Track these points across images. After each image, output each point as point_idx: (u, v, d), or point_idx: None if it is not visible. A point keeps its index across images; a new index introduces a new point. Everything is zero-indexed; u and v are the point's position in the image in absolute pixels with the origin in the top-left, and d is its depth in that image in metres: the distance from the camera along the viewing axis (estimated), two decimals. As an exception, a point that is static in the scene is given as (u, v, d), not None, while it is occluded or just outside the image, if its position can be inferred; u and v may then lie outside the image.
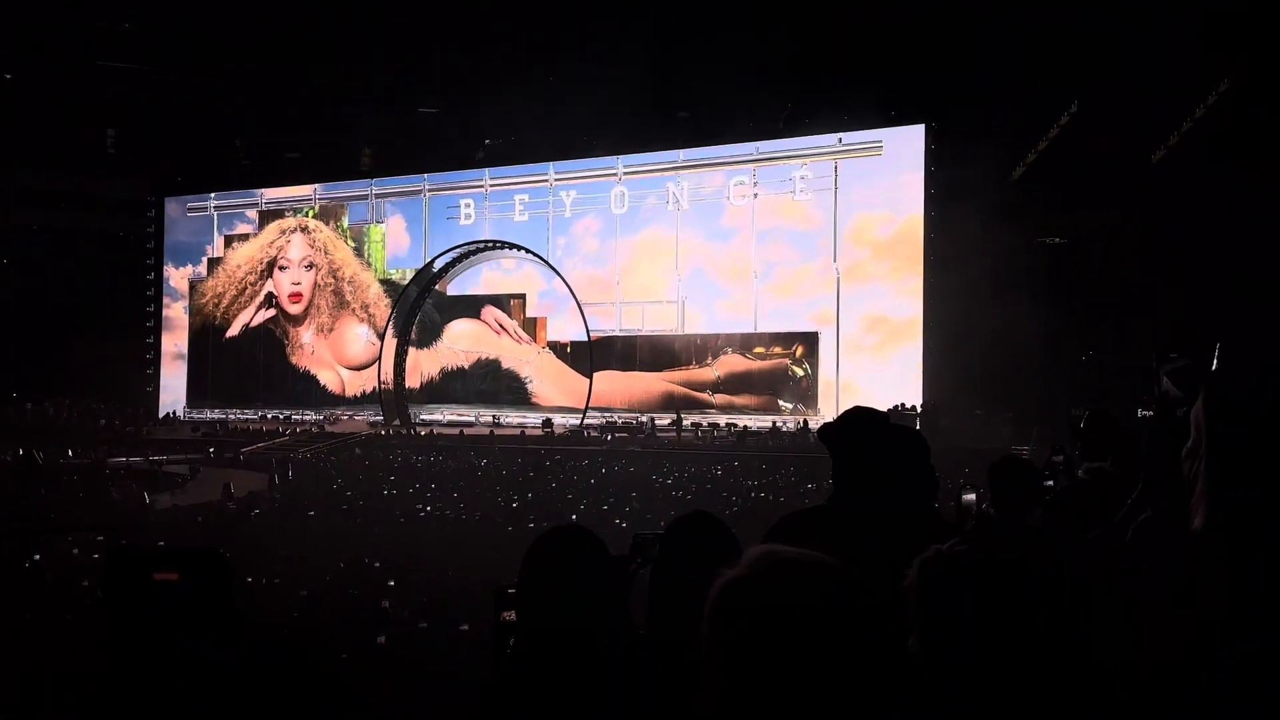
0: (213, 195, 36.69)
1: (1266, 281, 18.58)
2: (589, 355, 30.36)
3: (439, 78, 28.21)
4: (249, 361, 35.60)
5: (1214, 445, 1.68)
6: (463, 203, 32.96)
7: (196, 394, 36.31)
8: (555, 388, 31.34)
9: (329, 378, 34.60)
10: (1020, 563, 1.50)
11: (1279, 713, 1.45)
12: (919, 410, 23.66)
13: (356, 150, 33.55)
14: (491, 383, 32.42)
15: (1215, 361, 2.34)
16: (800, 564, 1.27)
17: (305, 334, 34.97)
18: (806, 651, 1.20)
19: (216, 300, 36.41)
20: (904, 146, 26.42)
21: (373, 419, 32.77)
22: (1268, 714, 1.45)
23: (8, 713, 4.37)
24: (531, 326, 32.06)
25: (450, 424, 31.09)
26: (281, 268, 35.44)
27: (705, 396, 28.67)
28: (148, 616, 0.76)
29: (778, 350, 27.92)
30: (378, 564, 10.30)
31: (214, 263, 36.73)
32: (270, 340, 35.49)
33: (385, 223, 34.37)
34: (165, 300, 37.36)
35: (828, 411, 26.12)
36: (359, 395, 33.98)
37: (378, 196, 34.40)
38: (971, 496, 3.60)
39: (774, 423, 26.73)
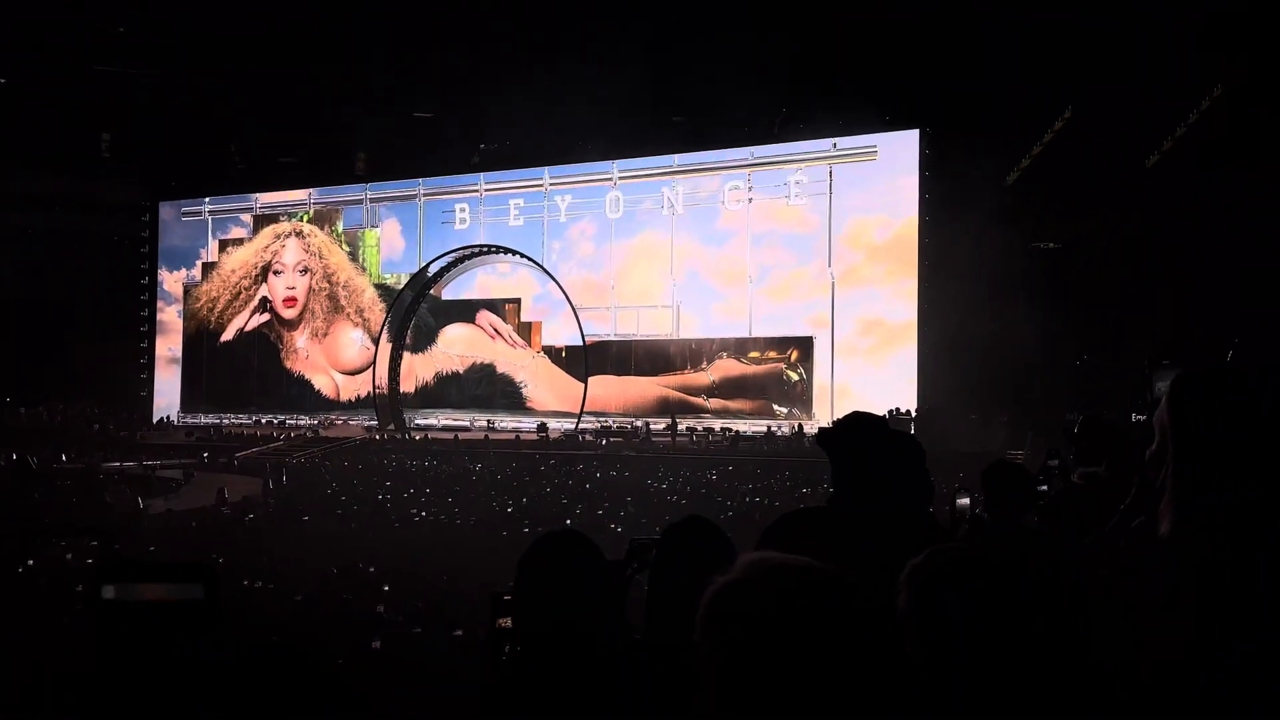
0: (207, 200, 36.68)
1: (1262, 285, 18.63)
2: (584, 360, 30.36)
3: (434, 82, 28.20)
4: (243, 366, 35.57)
5: (1180, 450, 1.69)
6: (458, 207, 32.97)
7: (191, 398, 36.25)
8: (550, 392, 31.34)
9: (323, 382, 34.57)
10: (1014, 565, 1.50)
11: (1276, 713, 1.46)
12: (914, 415, 23.68)
13: (351, 155, 33.54)
14: (486, 387, 32.42)
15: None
16: (793, 569, 1.27)
17: (300, 338, 34.94)
18: (801, 656, 1.21)
19: (211, 304, 36.37)
20: (899, 151, 26.46)
21: (367, 424, 32.74)
22: (1263, 714, 1.46)
23: (4, 716, 4.36)
24: (526, 331, 32.07)
25: (445, 429, 31.06)
26: (276, 272, 35.42)
27: (700, 401, 28.68)
28: (135, 632, 0.76)
29: (772, 355, 27.93)
30: (372, 569, 10.28)
31: (208, 267, 36.70)
32: (264, 345, 35.46)
33: (380, 227, 34.36)
34: (159, 304, 37.32)
35: (823, 416, 26.14)
36: (353, 400, 33.95)
37: (372, 201, 34.39)
38: (965, 501, 3.61)
39: (769, 427, 26.74)
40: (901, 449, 2.57)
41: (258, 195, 35.92)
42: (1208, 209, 20.92)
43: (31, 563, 10.18)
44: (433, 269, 33.47)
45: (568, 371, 31.03)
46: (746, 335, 28.41)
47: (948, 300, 23.64)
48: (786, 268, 28.14)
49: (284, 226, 35.56)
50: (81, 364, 32.89)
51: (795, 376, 27.56)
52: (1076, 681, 1.52)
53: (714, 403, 28.49)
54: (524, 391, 31.84)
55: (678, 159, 29.57)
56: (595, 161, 30.52)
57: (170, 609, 0.77)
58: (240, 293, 35.95)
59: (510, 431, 29.77)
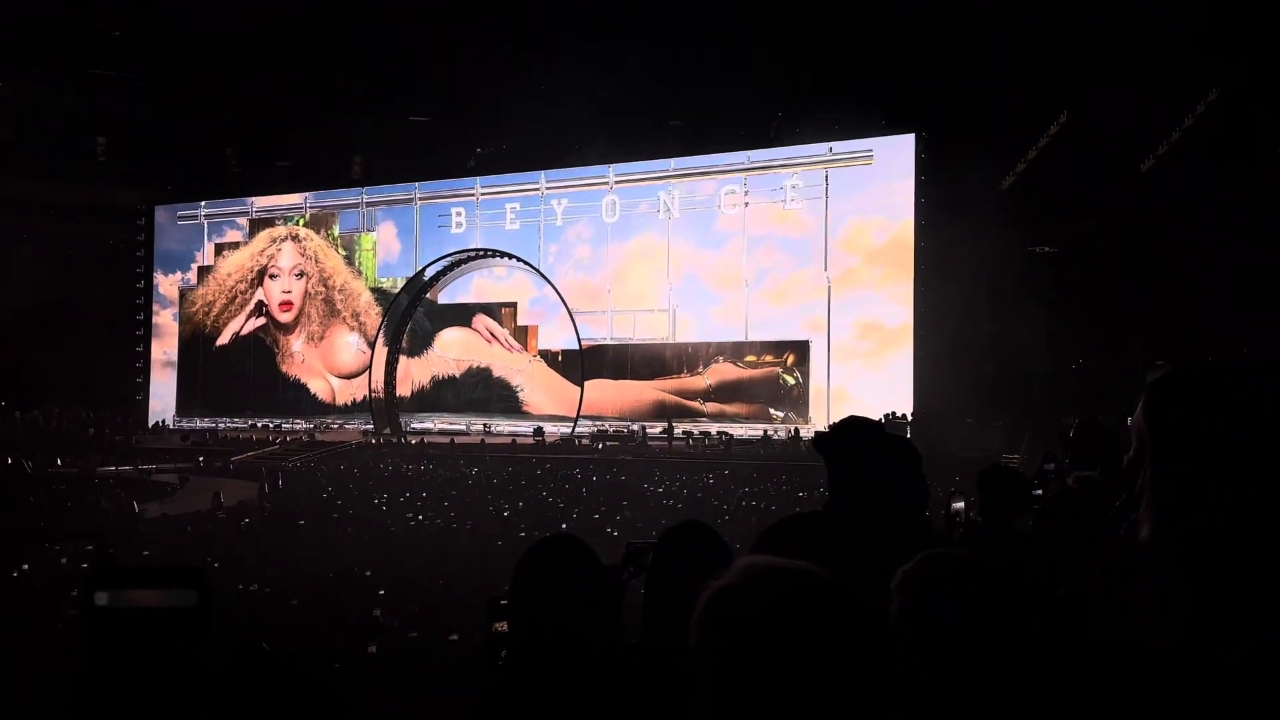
0: (203, 204, 36.65)
1: (1259, 286, 18.69)
2: (580, 363, 30.36)
3: (431, 85, 28.22)
4: (239, 370, 35.52)
5: (1158, 453, 1.69)
6: (454, 211, 32.97)
7: (186, 402, 36.20)
8: (546, 396, 31.33)
9: (319, 386, 34.54)
10: (1010, 569, 1.51)
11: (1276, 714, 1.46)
12: (909, 419, 23.69)
13: (348, 159, 33.53)
14: (482, 391, 32.39)
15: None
16: (789, 573, 1.27)
17: (296, 342, 34.91)
18: (796, 661, 1.21)
19: (207, 308, 36.33)
20: (895, 155, 26.50)
21: (363, 427, 32.71)
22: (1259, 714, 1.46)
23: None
24: (523, 334, 32.06)
25: (441, 433, 31.04)
26: (272, 276, 35.39)
27: (696, 405, 28.67)
28: (127, 639, 0.76)
29: (769, 358, 27.94)
30: (368, 573, 10.27)
31: (204, 271, 36.66)
32: (260, 348, 35.42)
33: (376, 231, 34.35)
34: (154, 308, 37.26)
35: (819, 420, 26.15)
36: (349, 404, 33.92)
37: (368, 205, 34.38)
38: (960, 504, 3.60)
39: (765, 431, 26.74)
40: (897, 453, 2.57)
41: (254, 199, 35.91)
42: (1204, 212, 20.98)
43: (26, 567, 10.17)
44: (429, 273, 33.46)
45: (564, 375, 31.02)
46: (743, 339, 28.41)
47: (944, 304, 23.68)
48: (783, 272, 28.15)
49: (280, 230, 35.54)
50: (77, 368, 32.83)
51: (791, 380, 27.56)
52: (1074, 684, 1.52)
53: (710, 406, 28.49)
54: (520, 395, 31.83)
55: (674, 163, 29.58)
56: (592, 165, 30.52)
57: (163, 615, 0.77)
58: (236, 296, 35.92)
59: (507, 436, 29.74)
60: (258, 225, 35.97)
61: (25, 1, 25.29)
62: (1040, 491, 4.05)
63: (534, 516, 15.53)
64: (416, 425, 32.55)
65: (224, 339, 35.97)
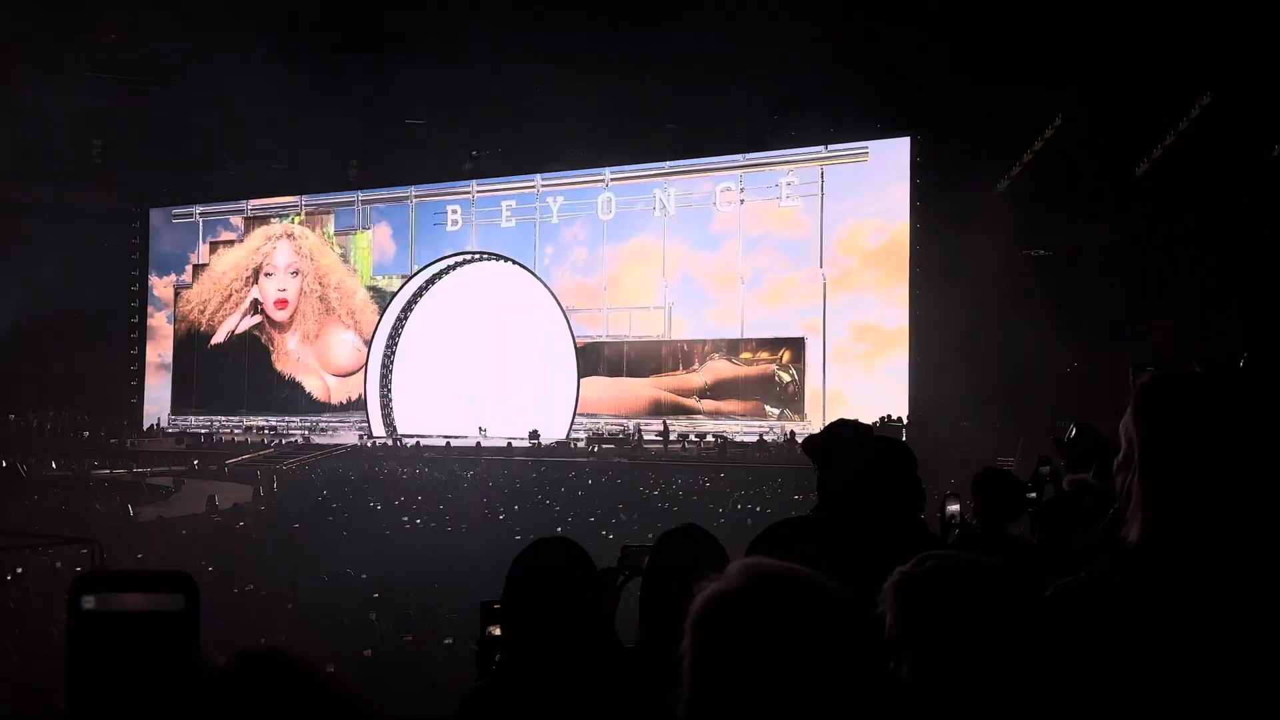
0: (198, 207, 36.59)
1: (1253, 291, 18.72)
2: (575, 362, 30.35)
3: (427, 88, 28.19)
4: (234, 368, 35.44)
5: (1150, 455, 1.69)
6: (449, 209, 32.96)
7: (181, 401, 36.13)
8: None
9: (314, 384, 34.47)
10: (1009, 569, 1.50)
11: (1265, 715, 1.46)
12: (905, 422, 23.71)
13: (343, 161, 33.49)
14: (477, 388, 32.29)
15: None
16: (784, 576, 1.27)
17: (291, 340, 34.86)
18: (792, 664, 1.20)
19: (201, 306, 36.28)
20: (890, 159, 26.54)
21: (359, 426, 32.67)
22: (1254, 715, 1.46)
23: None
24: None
25: (437, 435, 30.98)
26: (267, 274, 35.35)
27: (692, 402, 28.66)
28: (112, 643, 0.76)
29: (764, 355, 27.94)
30: (364, 576, 10.26)
31: (199, 269, 36.59)
32: (255, 347, 35.36)
33: (371, 229, 34.32)
34: (149, 310, 37.21)
35: (815, 420, 26.15)
36: (344, 402, 33.86)
37: (364, 203, 34.36)
38: (955, 507, 3.60)
39: (760, 435, 26.75)
40: (891, 455, 2.57)
41: (249, 200, 35.90)
42: (1199, 215, 21.01)
43: (20, 570, 10.15)
44: (426, 274, 33.43)
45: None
46: (738, 336, 28.41)
47: (940, 307, 23.69)
48: (779, 271, 28.15)
49: (275, 228, 35.51)
50: (71, 371, 32.74)
51: (787, 377, 27.58)
52: (1072, 686, 1.52)
53: (706, 404, 28.48)
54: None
55: (669, 162, 29.59)
56: (587, 169, 30.53)
57: (150, 619, 0.76)
58: (231, 294, 35.88)
59: (502, 439, 29.74)
60: (253, 223, 35.93)
61: (20, 3, 25.26)
62: (1035, 495, 4.05)
63: (529, 520, 15.52)
64: (411, 424, 32.52)
65: (219, 337, 35.92)
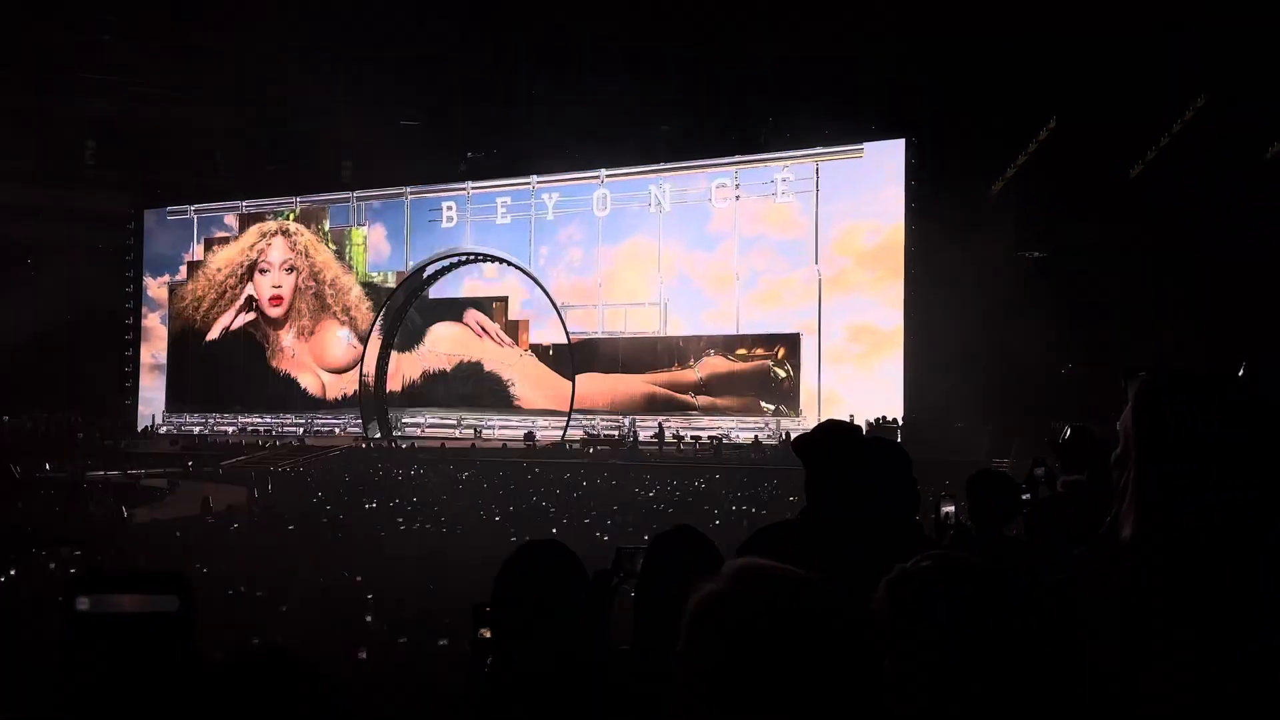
0: (192, 207, 36.53)
1: (1248, 291, 18.76)
2: (570, 358, 30.33)
3: (424, 90, 28.19)
4: (229, 365, 35.38)
5: (1147, 454, 1.69)
6: (444, 205, 32.93)
7: (176, 400, 36.05)
8: (538, 390, 31.28)
9: (309, 381, 34.42)
10: (1006, 570, 1.50)
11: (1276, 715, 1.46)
12: (899, 423, 23.72)
13: (337, 162, 33.46)
14: (473, 385, 32.34)
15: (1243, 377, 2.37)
16: (779, 577, 1.27)
17: (286, 337, 34.81)
18: (786, 665, 1.20)
19: (196, 304, 36.23)
20: (885, 160, 26.56)
21: (354, 425, 32.63)
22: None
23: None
24: (514, 329, 32.01)
25: (432, 436, 30.95)
26: (262, 271, 35.30)
27: (688, 398, 28.66)
28: (106, 644, 0.75)
29: (759, 351, 27.96)
30: (359, 578, 10.24)
31: (194, 266, 36.52)
32: (250, 344, 35.32)
33: (366, 226, 34.28)
34: (143, 310, 37.13)
35: (809, 415, 26.17)
36: (340, 399, 33.82)
37: (359, 200, 34.31)
38: (950, 508, 3.61)
39: (756, 436, 26.75)
40: (883, 456, 2.57)
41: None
42: (1193, 217, 21.06)
43: (14, 573, 10.11)
44: (422, 274, 33.43)
45: (555, 369, 30.98)
46: (734, 332, 28.41)
47: (935, 308, 23.72)
48: (774, 271, 28.15)
49: (270, 225, 35.45)
50: (65, 373, 32.67)
51: (782, 373, 27.59)
52: (1071, 687, 1.52)
53: (702, 400, 28.48)
54: (511, 390, 31.77)
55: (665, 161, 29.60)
56: (582, 170, 30.52)
57: (144, 620, 0.76)
58: (226, 291, 35.83)
59: (498, 440, 29.70)
60: (247, 220, 35.86)
61: (14, 5, 25.22)
62: (1029, 496, 4.06)
63: (524, 521, 15.50)
64: (407, 420, 32.49)
65: (214, 334, 35.88)
